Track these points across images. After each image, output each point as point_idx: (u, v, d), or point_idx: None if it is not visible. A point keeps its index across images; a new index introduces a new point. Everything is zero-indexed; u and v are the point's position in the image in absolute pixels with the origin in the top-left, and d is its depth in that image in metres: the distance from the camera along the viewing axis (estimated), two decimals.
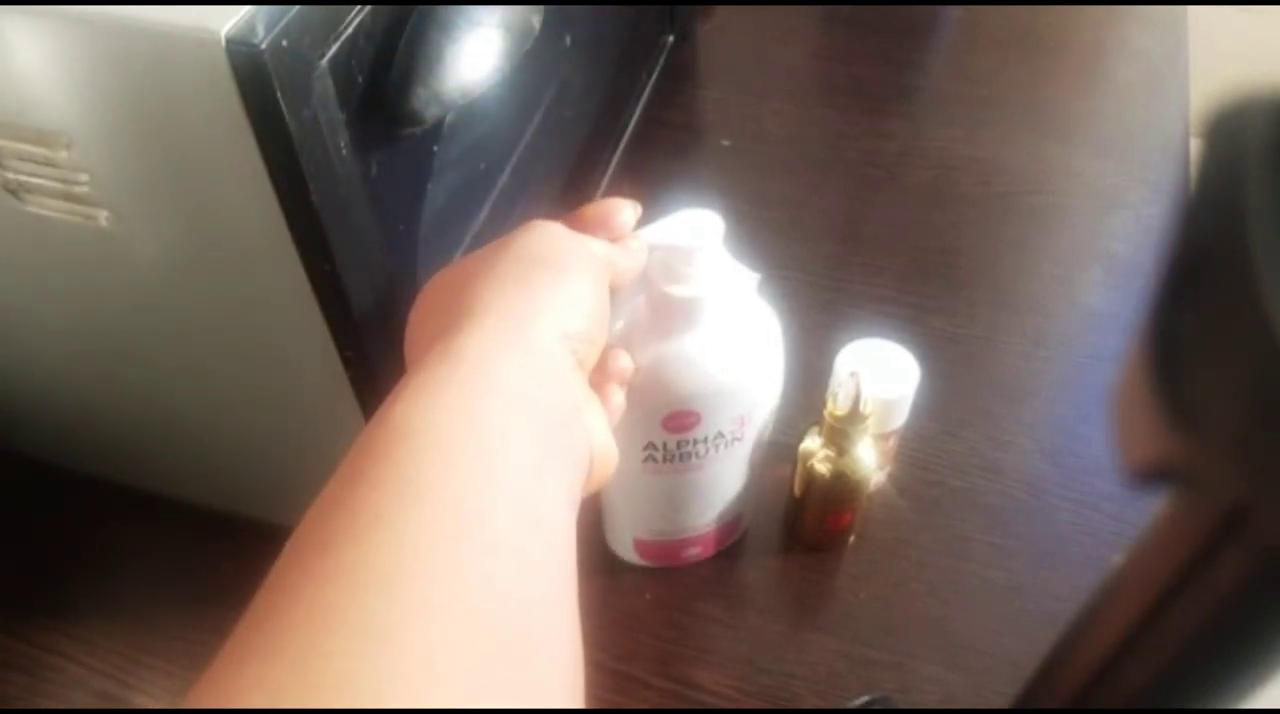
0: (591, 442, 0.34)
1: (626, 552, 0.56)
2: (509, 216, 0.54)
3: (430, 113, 0.37)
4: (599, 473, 0.35)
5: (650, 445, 0.46)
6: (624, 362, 0.41)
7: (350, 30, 0.35)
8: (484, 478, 0.28)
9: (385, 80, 0.37)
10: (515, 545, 0.27)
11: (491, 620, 0.25)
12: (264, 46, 0.30)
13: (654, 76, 0.80)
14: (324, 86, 0.34)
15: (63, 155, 0.36)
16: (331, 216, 0.36)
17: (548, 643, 0.27)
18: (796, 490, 0.55)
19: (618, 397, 0.40)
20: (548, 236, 0.36)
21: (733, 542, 0.57)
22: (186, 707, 0.22)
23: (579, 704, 0.28)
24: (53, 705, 0.52)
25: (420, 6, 0.37)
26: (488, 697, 0.24)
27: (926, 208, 0.78)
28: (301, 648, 0.23)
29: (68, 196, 0.38)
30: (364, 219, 0.38)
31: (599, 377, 0.38)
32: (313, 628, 0.23)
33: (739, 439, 0.48)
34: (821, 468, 0.52)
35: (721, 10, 0.96)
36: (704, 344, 0.43)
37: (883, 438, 0.55)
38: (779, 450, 0.55)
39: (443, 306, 0.34)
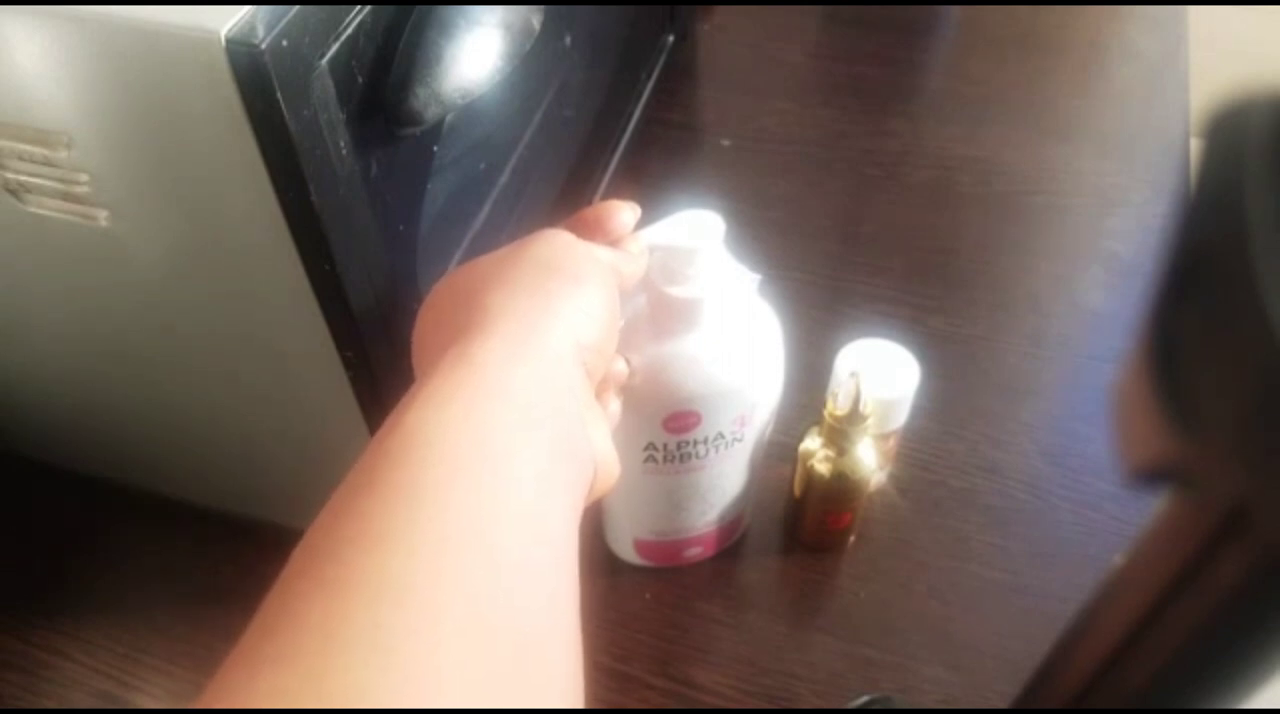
0: (595, 454, 0.34)
1: (627, 552, 0.56)
2: (509, 217, 0.54)
3: (430, 113, 0.37)
4: (601, 485, 0.35)
5: (651, 446, 0.46)
6: (619, 367, 0.41)
7: (350, 30, 0.35)
8: (493, 490, 0.28)
9: (385, 80, 0.37)
10: (523, 557, 0.28)
11: (499, 631, 0.26)
12: (264, 46, 0.30)
13: (654, 76, 0.80)
14: (324, 86, 0.34)
15: (63, 155, 0.36)
16: (331, 216, 0.36)
17: (551, 652, 0.27)
18: (796, 490, 0.55)
19: (614, 404, 0.41)
20: (561, 245, 0.36)
21: (733, 542, 0.57)
22: (196, 709, 0.23)
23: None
24: (52, 705, 0.52)
25: (420, 6, 0.37)
26: (493, 705, 0.24)
27: (926, 208, 0.78)
28: (315, 658, 0.23)
29: (68, 196, 0.38)
30: (364, 219, 0.38)
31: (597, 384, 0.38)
32: (325, 638, 0.23)
33: (739, 439, 0.48)
34: (821, 468, 0.52)
35: (721, 10, 0.96)
36: (704, 345, 0.43)
37: (883, 438, 0.55)
38: (779, 450, 0.55)
39: (454, 311, 0.34)
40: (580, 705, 0.28)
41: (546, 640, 0.27)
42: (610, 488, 0.36)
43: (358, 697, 0.22)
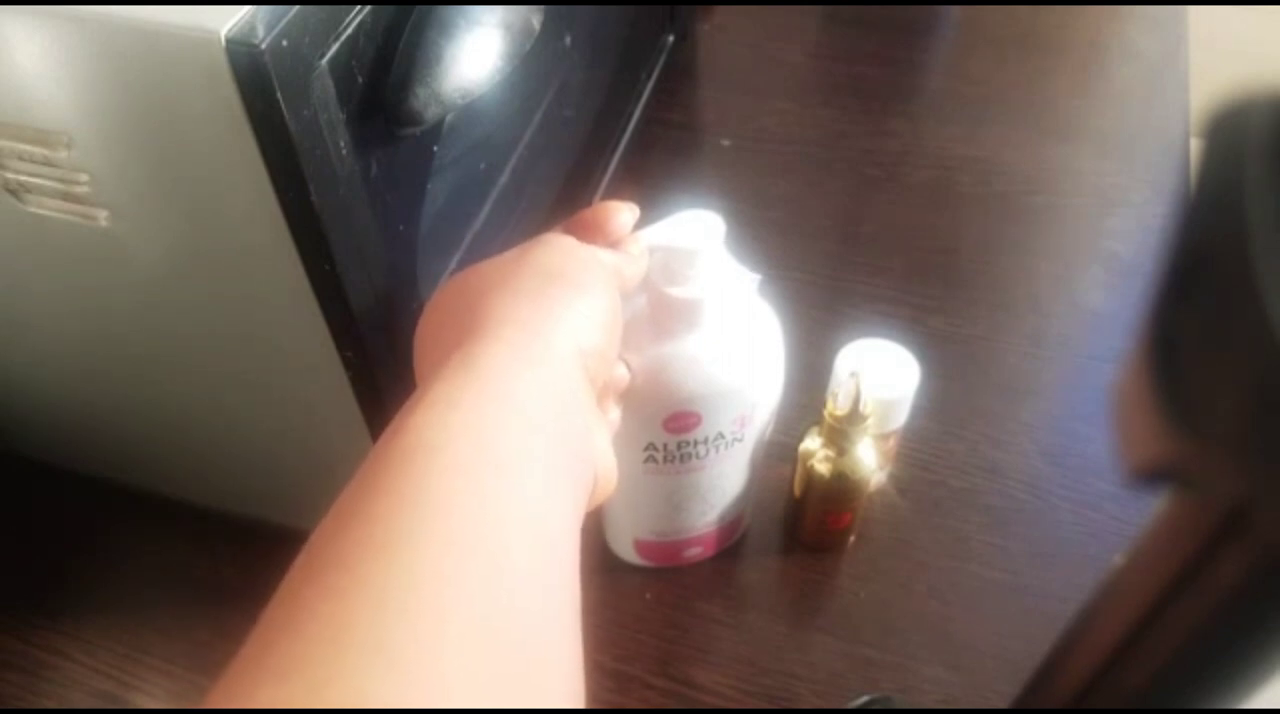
0: (597, 461, 0.34)
1: (627, 552, 0.56)
2: (509, 217, 0.54)
3: (430, 113, 0.37)
4: (600, 492, 0.35)
5: (651, 446, 0.46)
6: (620, 373, 0.41)
7: (350, 30, 0.35)
8: (496, 496, 0.28)
9: (385, 80, 0.37)
10: (528, 565, 0.28)
11: (502, 635, 0.26)
12: (264, 46, 0.30)
13: (654, 76, 0.80)
14: (324, 86, 0.34)
15: (63, 155, 0.36)
16: (331, 216, 0.36)
17: (553, 655, 0.28)
18: (796, 490, 0.55)
19: (614, 412, 0.41)
20: (564, 250, 0.36)
21: (733, 542, 0.57)
22: (199, 710, 0.23)
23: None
24: (52, 705, 0.52)
25: (420, 6, 0.37)
26: (496, 707, 0.24)
27: (926, 208, 0.78)
28: (318, 669, 0.23)
29: (68, 196, 0.38)
30: (364, 219, 0.38)
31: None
32: (329, 648, 0.23)
33: (739, 440, 0.48)
34: (821, 468, 0.52)
35: (721, 10, 0.96)
36: (705, 345, 0.43)
37: (883, 438, 0.55)
38: (779, 450, 0.55)
39: (457, 316, 0.34)
40: (581, 707, 0.28)
41: (549, 644, 0.27)
42: (608, 496, 0.36)
43: (359, 700, 0.22)
